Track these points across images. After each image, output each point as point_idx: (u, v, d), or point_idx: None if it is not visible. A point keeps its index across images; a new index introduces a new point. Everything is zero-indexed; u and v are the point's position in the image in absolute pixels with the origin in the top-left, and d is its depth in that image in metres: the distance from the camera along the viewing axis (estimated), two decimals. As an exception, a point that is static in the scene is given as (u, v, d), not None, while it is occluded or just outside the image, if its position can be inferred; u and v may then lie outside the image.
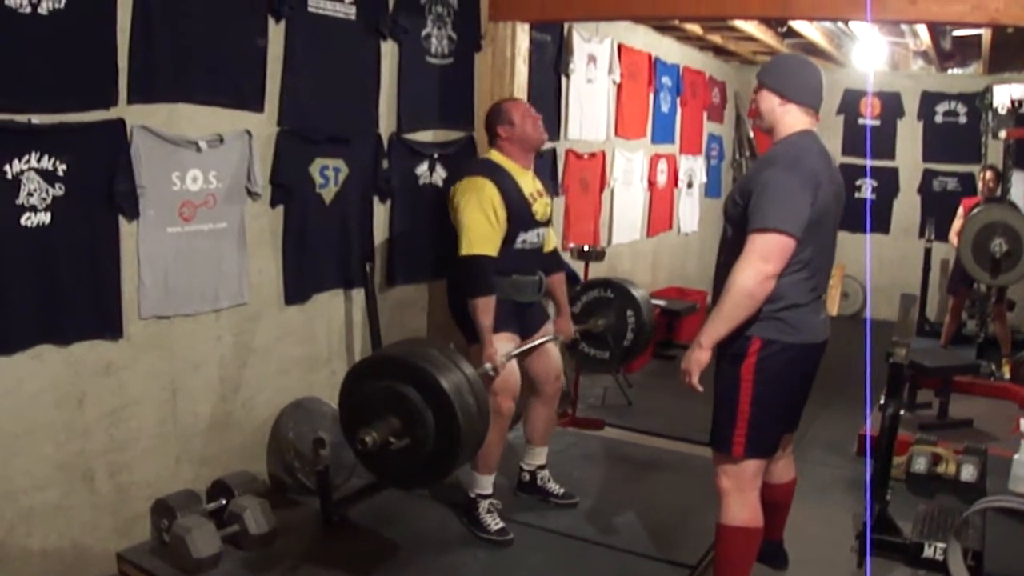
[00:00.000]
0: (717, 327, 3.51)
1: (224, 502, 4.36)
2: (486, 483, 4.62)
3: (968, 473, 5.14)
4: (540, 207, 4.57)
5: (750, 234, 3.42)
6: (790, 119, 3.62)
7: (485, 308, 4.30)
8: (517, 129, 4.50)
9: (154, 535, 4.23)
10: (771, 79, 3.67)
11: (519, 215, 4.44)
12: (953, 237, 8.80)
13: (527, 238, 4.51)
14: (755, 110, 3.74)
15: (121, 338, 4.04)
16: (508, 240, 4.43)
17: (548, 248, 4.79)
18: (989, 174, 8.63)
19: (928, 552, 4.38)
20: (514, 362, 4.52)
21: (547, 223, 4.68)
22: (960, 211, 8.97)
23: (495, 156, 4.56)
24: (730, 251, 3.60)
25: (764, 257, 3.38)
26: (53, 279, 3.73)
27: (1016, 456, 5.12)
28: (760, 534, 3.78)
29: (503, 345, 4.41)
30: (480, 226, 4.30)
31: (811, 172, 3.46)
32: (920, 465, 5.28)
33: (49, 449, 3.81)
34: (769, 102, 3.65)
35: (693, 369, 3.58)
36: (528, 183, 4.55)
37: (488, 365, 4.28)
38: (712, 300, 3.79)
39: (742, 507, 3.71)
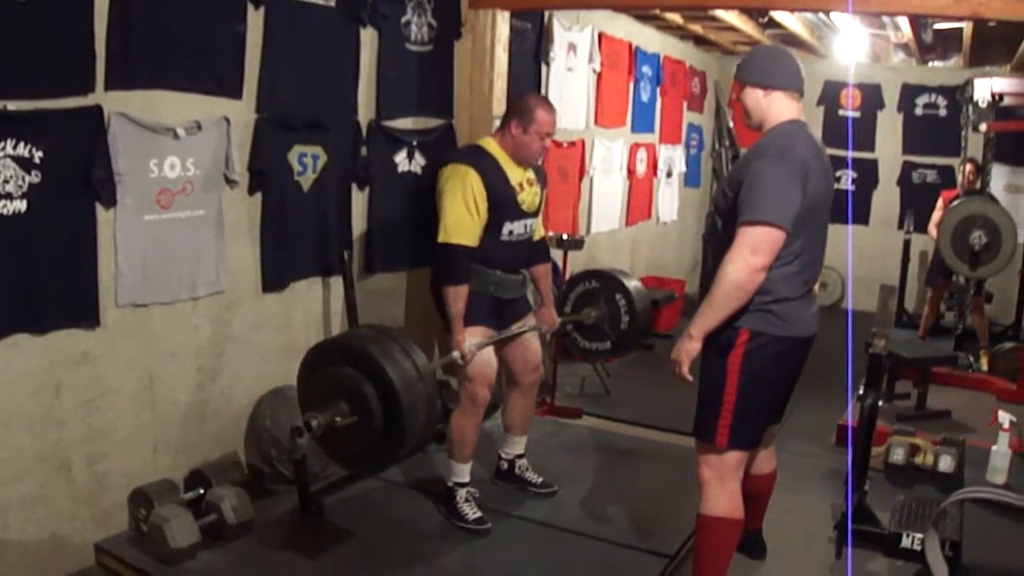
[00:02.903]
0: (707, 319, 3.51)
1: (202, 491, 4.34)
2: (463, 471, 4.61)
3: (946, 464, 5.16)
4: (528, 197, 4.54)
5: (740, 226, 3.41)
6: (776, 108, 3.61)
7: (456, 296, 4.29)
8: (526, 138, 4.44)
9: (132, 525, 4.21)
10: (750, 74, 3.67)
11: (504, 204, 4.42)
12: (932, 229, 8.85)
13: (513, 228, 4.49)
14: (741, 110, 3.74)
15: (98, 326, 4.01)
16: (493, 229, 4.42)
17: (535, 237, 4.78)
18: (969, 167, 8.67)
19: (906, 542, 4.40)
20: (490, 350, 4.51)
21: (535, 214, 4.65)
22: (939, 203, 9.01)
23: (488, 143, 4.54)
24: (720, 244, 3.59)
25: (754, 250, 3.37)
26: (29, 267, 3.70)
27: (994, 447, 5.15)
28: (740, 525, 3.79)
29: (474, 338, 4.41)
30: (458, 215, 4.28)
31: (801, 163, 3.45)
32: (898, 456, 5.30)
33: (25, 439, 3.78)
34: (753, 97, 3.64)
35: (683, 359, 3.59)
36: (517, 173, 4.51)
37: (456, 353, 4.30)
38: (701, 293, 3.79)
39: (722, 497, 3.72)
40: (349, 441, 3.62)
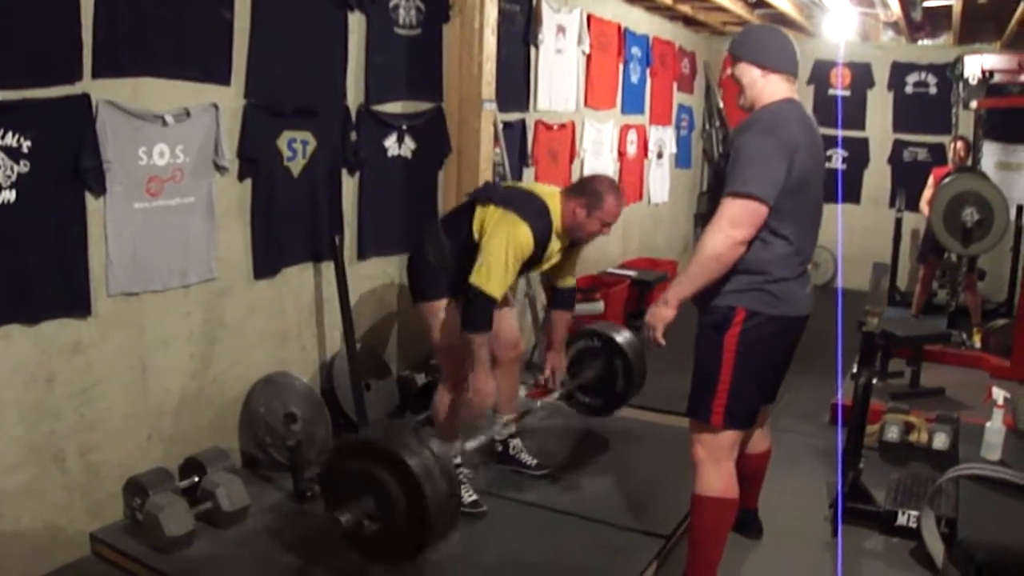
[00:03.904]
0: (683, 287, 3.55)
1: (196, 479, 4.34)
2: (451, 449, 4.59)
3: (940, 441, 5.17)
4: (549, 259, 4.53)
5: (723, 198, 3.42)
6: (771, 89, 3.58)
7: (480, 343, 4.25)
8: (587, 221, 4.38)
9: (127, 514, 4.22)
10: (747, 51, 3.63)
11: (527, 264, 4.40)
12: (924, 206, 8.86)
13: (529, 275, 4.47)
14: (734, 86, 3.72)
15: (89, 316, 4.00)
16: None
17: (562, 285, 4.78)
18: (960, 144, 8.67)
19: (902, 520, 4.43)
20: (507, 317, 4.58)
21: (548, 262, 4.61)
22: (930, 180, 9.03)
23: (555, 203, 4.43)
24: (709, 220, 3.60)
25: (734, 222, 3.38)
26: (19, 257, 3.69)
27: (988, 424, 5.15)
28: (736, 504, 3.79)
29: (452, 312, 4.41)
30: (501, 269, 4.20)
31: (787, 138, 3.43)
32: (892, 434, 5.31)
33: (18, 430, 3.78)
34: (750, 74, 3.61)
35: (657, 324, 3.61)
36: (558, 242, 4.48)
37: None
38: None
39: (717, 477, 3.72)
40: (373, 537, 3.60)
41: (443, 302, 4.43)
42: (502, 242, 4.20)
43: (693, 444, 3.77)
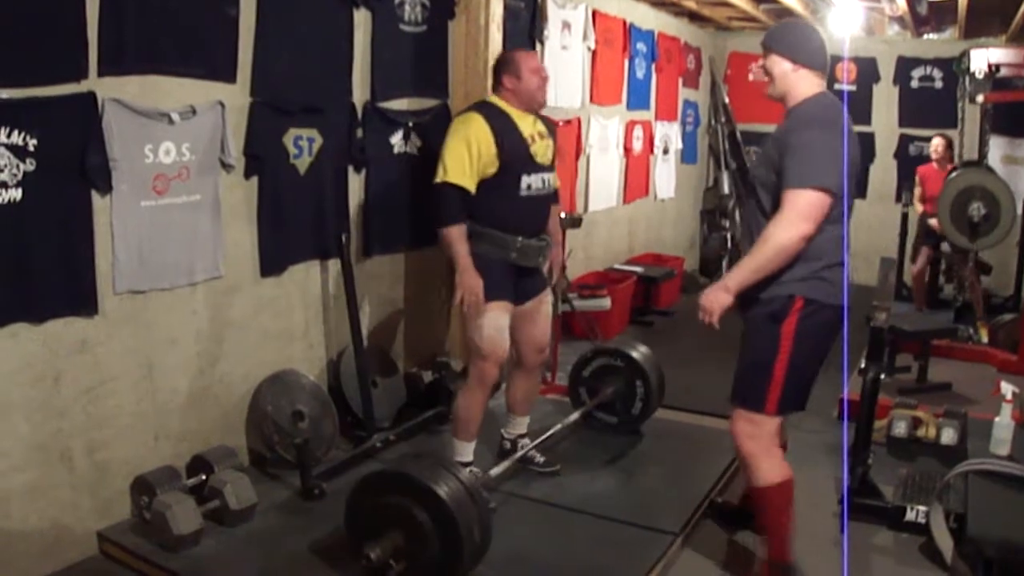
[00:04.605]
0: (746, 276, 3.57)
1: (204, 477, 4.33)
2: (467, 450, 4.62)
3: (948, 436, 5.16)
4: (541, 149, 4.53)
5: (788, 191, 3.46)
6: (805, 84, 3.67)
7: (458, 236, 4.30)
8: (523, 83, 4.47)
9: (134, 513, 4.21)
10: (781, 45, 3.71)
11: (517, 155, 4.40)
12: (917, 204, 8.93)
13: (531, 182, 4.45)
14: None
15: (96, 314, 3.99)
16: (511, 183, 4.40)
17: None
18: (939, 141, 8.74)
19: (910, 515, 4.42)
20: (505, 331, 4.50)
21: (551, 168, 4.62)
22: (917, 178, 9.10)
23: (493, 99, 4.56)
24: (756, 216, 3.67)
25: (803, 215, 3.44)
26: (26, 256, 3.68)
27: (997, 419, 5.14)
28: (793, 480, 3.83)
29: (497, 315, 4.42)
30: (458, 156, 4.28)
31: (842, 129, 3.54)
32: (900, 429, 5.30)
33: (25, 429, 3.77)
34: (781, 66, 3.69)
35: (716, 309, 3.63)
36: (528, 125, 4.51)
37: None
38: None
39: (771, 465, 3.77)
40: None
41: (492, 304, 4.43)
42: (454, 135, 4.36)
43: (739, 439, 3.79)
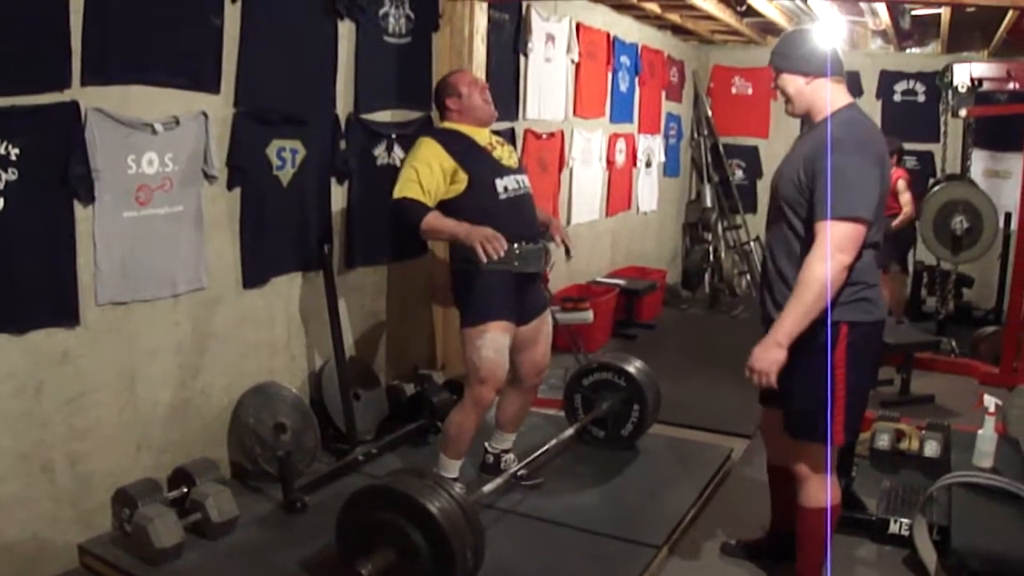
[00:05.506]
0: (797, 323, 3.41)
1: (185, 490, 4.31)
2: (453, 467, 4.60)
3: (931, 449, 5.16)
4: (504, 153, 4.54)
5: (823, 222, 3.35)
6: (826, 95, 3.54)
7: (435, 219, 4.24)
8: (465, 100, 4.49)
9: (115, 525, 4.18)
10: (787, 61, 3.61)
11: (482, 161, 4.40)
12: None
13: (507, 184, 4.43)
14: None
15: (78, 325, 3.97)
16: (487, 189, 4.37)
17: None
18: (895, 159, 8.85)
19: (894, 528, 4.42)
20: (505, 353, 4.47)
21: (521, 170, 4.60)
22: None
23: (446, 125, 4.57)
24: (786, 237, 3.58)
25: (841, 248, 3.32)
26: (7, 266, 3.66)
27: (980, 431, 5.14)
28: (839, 508, 3.83)
29: (498, 336, 4.40)
30: (406, 177, 4.26)
31: (877, 152, 3.43)
32: (883, 442, 5.30)
33: (6, 440, 3.74)
34: (795, 84, 3.58)
35: (773, 369, 3.45)
36: (483, 136, 4.52)
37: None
38: (761, 297, 3.76)
39: (821, 488, 3.71)
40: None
41: (493, 324, 4.41)
42: (403, 165, 4.37)
43: (798, 463, 3.72)
